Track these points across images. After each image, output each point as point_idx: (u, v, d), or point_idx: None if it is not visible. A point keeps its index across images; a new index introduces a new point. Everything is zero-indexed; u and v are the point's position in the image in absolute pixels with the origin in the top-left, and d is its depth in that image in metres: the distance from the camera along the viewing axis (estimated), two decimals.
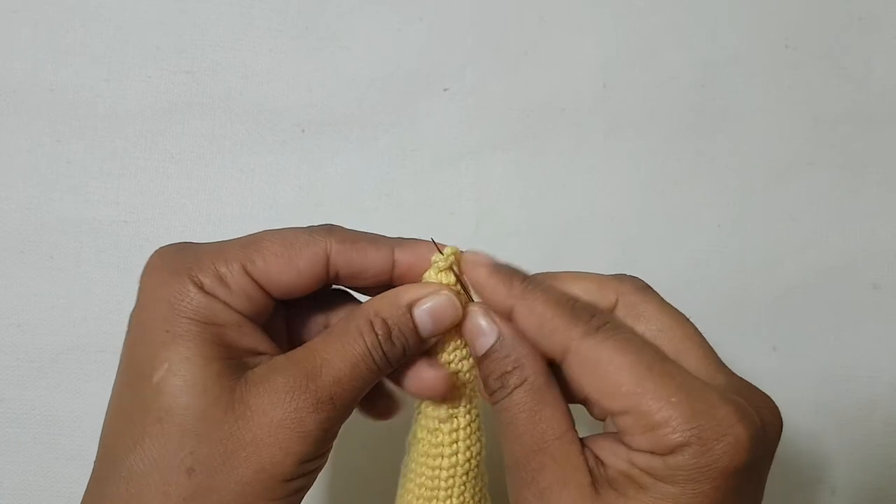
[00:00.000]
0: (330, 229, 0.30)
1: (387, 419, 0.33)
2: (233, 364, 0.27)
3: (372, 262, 0.30)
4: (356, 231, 0.31)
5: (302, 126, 0.48)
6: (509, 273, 0.28)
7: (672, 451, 0.24)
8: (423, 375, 0.30)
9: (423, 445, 0.32)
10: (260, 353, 0.29)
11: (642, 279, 0.29)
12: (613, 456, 0.26)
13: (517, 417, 0.27)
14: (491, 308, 0.29)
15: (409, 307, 0.29)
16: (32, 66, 0.47)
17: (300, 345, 0.30)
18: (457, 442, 0.31)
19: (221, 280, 0.28)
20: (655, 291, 0.29)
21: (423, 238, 0.32)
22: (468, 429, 0.32)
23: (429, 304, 0.29)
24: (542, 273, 0.30)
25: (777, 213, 0.50)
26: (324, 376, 0.27)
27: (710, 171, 0.50)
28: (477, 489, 0.32)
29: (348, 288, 0.32)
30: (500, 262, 0.29)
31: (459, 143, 0.49)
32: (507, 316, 0.28)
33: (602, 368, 0.25)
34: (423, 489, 0.31)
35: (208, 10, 0.48)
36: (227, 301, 0.28)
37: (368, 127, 0.49)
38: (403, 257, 0.31)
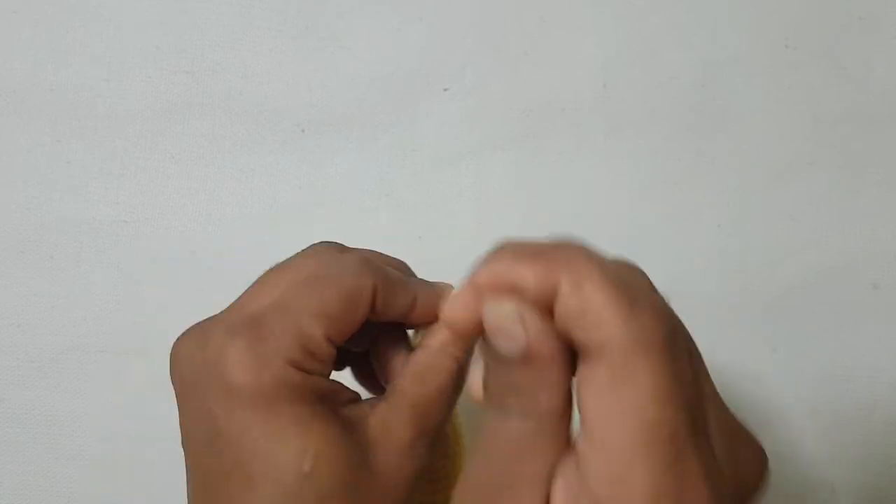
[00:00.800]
0: (373, 269, 0.30)
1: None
2: (348, 427, 0.28)
3: (400, 304, 0.30)
4: (389, 269, 0.31)
5: (302, 126, 0.48)
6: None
7: None
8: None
9: None
10: (354, 401, 0.29)
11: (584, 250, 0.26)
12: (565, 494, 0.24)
13: (506, 445, 0.24)
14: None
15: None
16: (32, 66, 0.47)
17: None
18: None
19: (310, 353, 0.28)
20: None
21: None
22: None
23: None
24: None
25: (777, 213, 0.50)
26: (432, 420, 0.29)
27: (710, 171, 0.50)
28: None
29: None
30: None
31: (459, 143, 0.49)
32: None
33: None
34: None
35: (208, 10, 0.48)
36: (321, 372, 0.28)
37: (368, 127, 0.49)
38: (425, 298, 0.31)
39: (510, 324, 0.24)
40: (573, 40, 0.50)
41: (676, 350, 0.23)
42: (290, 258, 0.31)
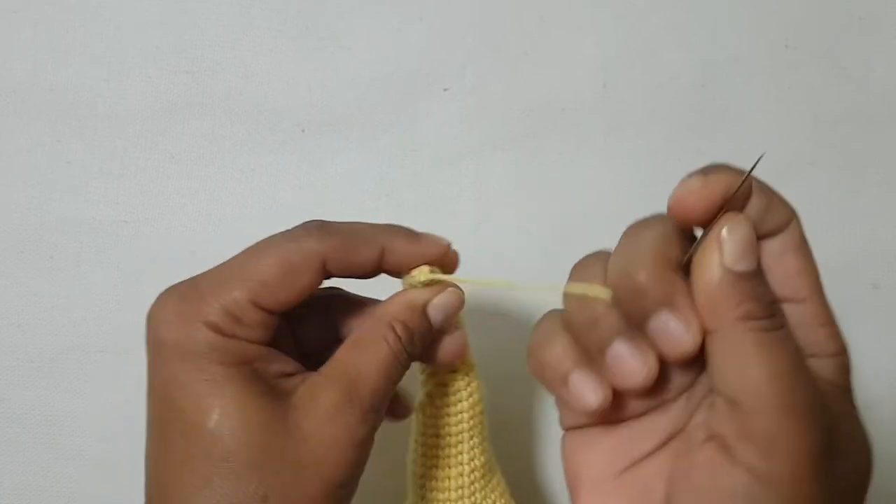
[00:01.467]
0: (320, 233, 0.31)
1: (403, 419, 0.35)
2: (272, 392, 0.29)
3: (364, 260, 0.31)
4: (346, 227, 0.31)
5: (302, 126, 0.48)
6: None
7: (838, 354, 0.25)
8: (447, 346, 0.33)
9: (428, 407, 0.34)
10: (289, 374, 0.30)
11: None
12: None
13: (795, 355, 0.25)
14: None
15: (424, 308, 0.31)
16: (32, 66, 0.47)
17: (311, 352, 0.32)
18: (461, 402, 0.34)
19: (234, 317, 0.29)
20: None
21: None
22: (469, 388, 0.34)
23: (440, 301, 0.32)
24: None
25: None
26: (363, 388, 0.29)
27: None
28: (479, 441, 0.34)
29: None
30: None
31: (459, 143, 0.49)
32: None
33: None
34: (430, 439, 0.34)
35: (208, 10, 0.48)
36: (246, 335, 0.29)
37: (368, 127, 0.49)
38: (396, 247, 0.32)
39: (753, 235, 0.25)
40: (573, 40, 0.50)
41: None
42: None
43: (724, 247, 0.24)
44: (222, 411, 0.28)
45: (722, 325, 0.24)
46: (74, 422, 0.46)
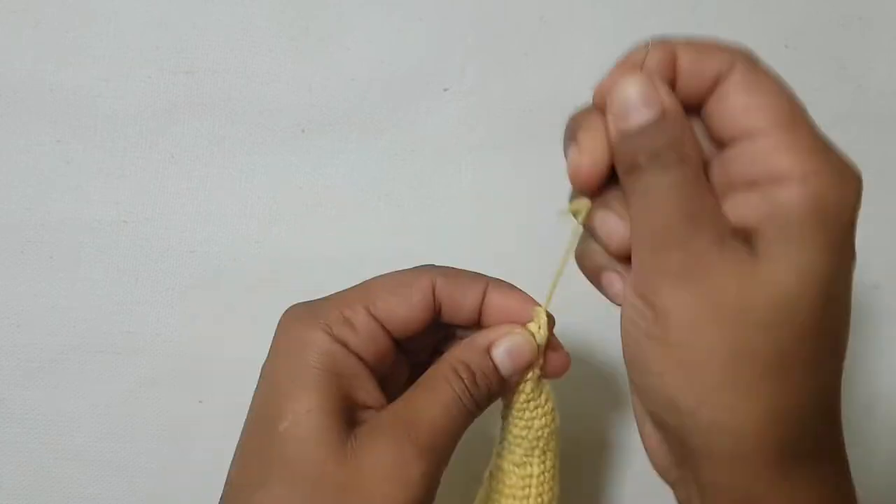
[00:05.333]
0: (431, 266, 0.33)
1: (561, 374, 0.35)
2: (347, 416, 0.30)
3: (469, 296, 0.33)
4: (456, 268, 0.34)
5: (302, 126, 0.48)
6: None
7: (810, 176, 0.24)
8: (550, 360, 0.34)
9: (496, 483, 0.34)
10: (370, 408, 0.31)
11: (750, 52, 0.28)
12: (749, 209, 0.25)
13: (669, 194, 0.25)
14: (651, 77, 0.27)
15: (488, 350, 0.32)
16: (32, 66, 0.47)
17: None
18: (528, 487, 0.33)
19: (348, 322, 0.31)
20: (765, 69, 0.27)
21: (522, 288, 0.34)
22: (541, 477, 0.34)
23: (505, 344, 0.32)
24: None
25: None
26: (422, 425, 0.30)
27: None
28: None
29: (451, 325, 0.34)
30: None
31: (459, 143, 0.49)
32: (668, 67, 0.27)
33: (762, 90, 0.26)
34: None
35: (208, 10, 0.48)
36: (353, 345, 0.31)
37: (368, 127, 0.49)
38: (495, 297, 0.33)
39: (643, 88, 0.26)
40: (573, 40, 0.50)
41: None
42: None
43: (609, 107, 0.27)
44: (295, 418, 0.29)
45: (621, 177, 0.27)
46: (74, 422, 0.46)
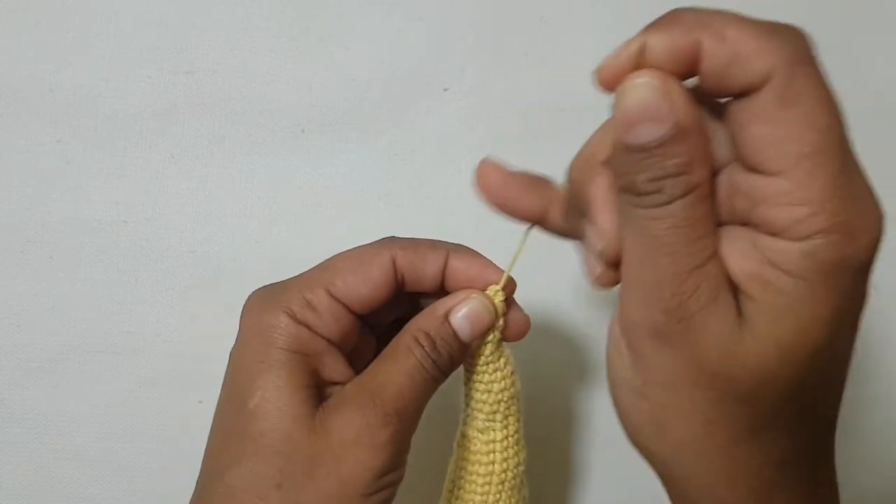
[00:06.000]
0: (392, 239, 0.34)
1: (522, 336, 0.35)
2: (315, 392, 0.31)
3: (430, 265, 0.33)
4: (416, 238, 0.34)
5: (302, 126, 0.48)
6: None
7: (813, 235, 0.22)
8: (510, 323, 0.34)
9: (462, 451, 0.35)
10: (337, 383, 0.32)
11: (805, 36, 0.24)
12: (742, 258, 0.23)
13: (671, 233, 0.23)
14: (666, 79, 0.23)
15: (446, 316, 0.32)
16: (32, 66, 0.47)
17: None
18: (493, 452, 0.34)
19: (310, 305, 0.31)
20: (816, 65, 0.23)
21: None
22: (504, 442, 0.34)
23: (463, 310, 0.32)
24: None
25: None
26: (387, 392, 0.30)
27: None
28: (513, 500, 0.34)
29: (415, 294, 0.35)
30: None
31: (459, 143, 0.49)
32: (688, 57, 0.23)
33: (799, 107, 0.22)
34: (459, 491, 0.34)
35: (208, 10, 0.48)
36: (317, 326, 0.31)
37: (368, 127, 0.49)
38: (456, 264, 0.34)
39: (656, 98, 0.23)
40: (573, 40, 0.50)
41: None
42: None
43: (614, 115, 0.24)
44: (264, 394, 0.30)
45: (617, 191, 0.24)
46: (74, 422, 0.46)
